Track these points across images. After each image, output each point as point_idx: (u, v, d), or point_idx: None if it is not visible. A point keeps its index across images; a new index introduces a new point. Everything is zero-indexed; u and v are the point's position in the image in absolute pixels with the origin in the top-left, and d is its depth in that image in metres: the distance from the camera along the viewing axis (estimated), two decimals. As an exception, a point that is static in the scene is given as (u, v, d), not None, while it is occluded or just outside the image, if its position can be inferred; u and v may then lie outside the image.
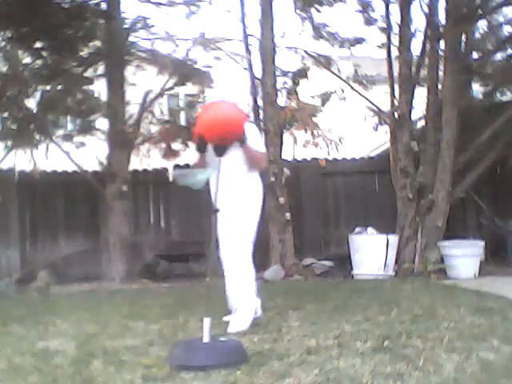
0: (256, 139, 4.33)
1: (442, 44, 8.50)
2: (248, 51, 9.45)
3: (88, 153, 9.05)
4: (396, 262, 8.04)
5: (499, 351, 3.28)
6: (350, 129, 11.77)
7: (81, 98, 9.16)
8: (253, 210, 4.34)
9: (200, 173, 3.87)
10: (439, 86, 8.45)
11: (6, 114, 8.81)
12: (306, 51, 10.34)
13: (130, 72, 9.19)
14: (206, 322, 3.34)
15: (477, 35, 9.69)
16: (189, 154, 9.88)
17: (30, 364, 3.44)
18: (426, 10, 8.65)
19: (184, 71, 9.42)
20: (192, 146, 9.74)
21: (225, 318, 4.35)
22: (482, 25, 9.71)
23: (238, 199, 4.28)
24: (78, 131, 9.40)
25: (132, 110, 9.16)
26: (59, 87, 8.91)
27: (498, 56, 9.53)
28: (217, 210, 3.75)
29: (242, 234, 4.27)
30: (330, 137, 9.35)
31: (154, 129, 9.61)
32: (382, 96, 9.38)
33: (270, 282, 7.75)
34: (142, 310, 5.29)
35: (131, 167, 9.08)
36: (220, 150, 3.86)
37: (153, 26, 9.18)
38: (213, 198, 3.85)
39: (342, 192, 9.79)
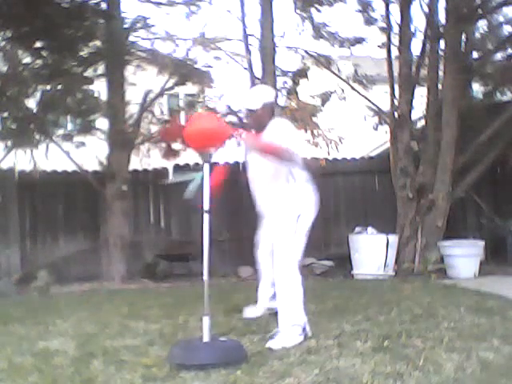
0: (281, 134, 3.90)
1: (442, 44, 8.50)
2: (248, 51, 9.45)
3: (88, 153, 9.05)
4: (396, 262, 8.04)
5: (499, 351, 3.28)
6: (349, 129, 11.77)
7: (81, 98, 9.15)
8: (288, 215, 3.89)
9: (195, 177, 3.88)
10: (439, 86, 8.45)
11: (5, 114, 8.80)
12: (306, 51, 10.35)
13: (129, 72, 9.19)
14: (206, 320, 3.34)
15: (477, 35, 9.70)
16: (189, 154, 9.90)
17: (30, 364, 3.44)
18: (426, 9, 8.66)
19: (184, 71, 9.42)
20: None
21: (245, 311, 4.35)
22: (482, 25, 9.74)
23: (272, 204, 4.03)
24: (78, 131, 9.40)
25: (132, 109, 9.16)
26: (59, 87, 8.91)
27: (498, 56, 9.54)
28: (207, 211, 3.73)
29: (278, 241, 3.86)
30: (330, 137, 9.34)
31: (154, 129, 9.60)
32: (382, 96, 9.38)
33: (270, 281, 7.76)
34: (142, 310, 5.28)
35: (131, 167, 9.08)
36: (205, 157, 3.69)
37: (153, 25, 9.19)
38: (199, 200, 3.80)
39: (342, 192, 9.80)
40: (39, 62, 8.59)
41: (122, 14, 8.95)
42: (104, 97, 9.30)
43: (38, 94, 8.93)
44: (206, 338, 3.33)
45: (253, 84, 9.32)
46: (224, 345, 3.44)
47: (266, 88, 4.47)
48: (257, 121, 4.01)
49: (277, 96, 8.91)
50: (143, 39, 9.55)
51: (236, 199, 9.46)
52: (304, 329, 3.75)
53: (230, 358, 3.22)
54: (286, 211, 3.90)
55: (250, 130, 4.14)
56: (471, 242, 7.97)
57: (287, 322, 3.71)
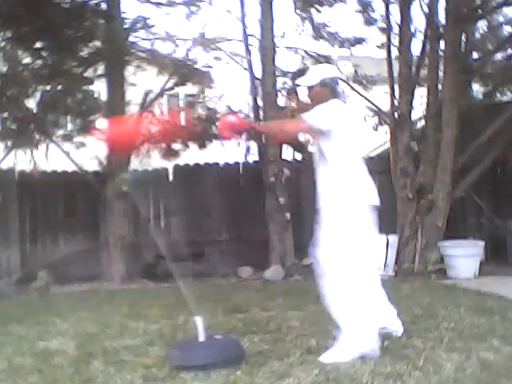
0: (313, 111, 3.57)
1: (442, 44, 8.50)
2: (248, 51, 9.44)
3: (88, 153, 9.04)
4: (396, 262, 8.04)
5: (499, 351, 3.28)
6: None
7: (81, 98, 9.15)
8: (342, 215, 3.49)
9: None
10: (439, 86, 8.44)
11: (5, 114, 8.80)
12: (306, 51, 10.35)
13: (129, 72, 9.19)
14: (199, 320, 3.34)
15: (477, 35, 9.70)
16: (189, 154, 9.91)
17: (30, 364, 3.45)
18: (426, 10, 8.65)
19: (184, 71, 9.43)
20: (192, 146, 9.79)
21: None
22: (482, 25, 9.73)
23: (326, 201, 3.63)
24: (78, 131, 9.40)
25: (132, 110, 9.16)
26: (59, 87, 8.91)
27: (498, 56, 9.53)
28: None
29: (332, 244, 3.45)
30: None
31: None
32: (382, 96, 9.38)
33: (270, 282, 7.76)
34: (142, 310, 5.29)
35: (131, 167, 9.08)
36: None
37: (153, 26, 9.21)
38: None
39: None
40: (39, 62, 8.59)
41: (122, 15, 8.96)
42: (104, 97, 9.30)
43: (38, 94, 8.93)
44: (201, 338, 3.32)
45: (253, 84, 9.33)
46: (220, 342, 3.43)
47: (328, 66, 4.24)
48: (314, 98, 3.70)
49: (277, 96, 8.91)
50: (143, 39, 9.57)
51: (236, 199, 9.49)
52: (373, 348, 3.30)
53: (228, 355, 3.22)
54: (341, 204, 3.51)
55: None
56: (471, 242, 7.96)
57: (345, 333, 3.34)
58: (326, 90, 3.67)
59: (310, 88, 3.71)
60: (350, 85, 9.86)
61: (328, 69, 3.87)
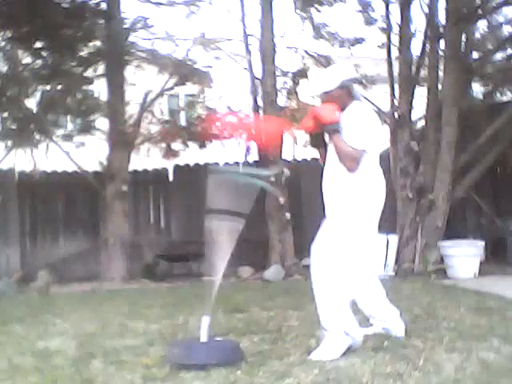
0: (358, 122, 3.36)
1: (442, 44, 8.50)
2: (248, 51, 9.44)
3: (88, 153, 9.05)
4: (396, 262, 8.03)
5: (499, 351, 3.28)
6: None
7: (81, 98, 9.17)
8: (351, 217, 3.38)
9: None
10: (439, 86, 8.45)
11: (5, 114, 8.81)
12: (306, 51, 10.35)
13: (130, 72, 9.19)
14: (205, 320, 3.33)
15: (477, 35, 9.69)
16: (189, 154, 9.91)
17: (30, 364, 3.44)
18: (426, 10, 8.65)
19: (184, 71, 9.43)
20: (191, 145, 9.79)
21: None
22: (482, 25, 9.73)
23: (333, 204, 3.50)
24: (78, 131, 9.41)
25: (132, 109, 9.16)
26: (59, 87, 8.92)
27: (498, 56, 9.53)
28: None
29: (331, 245, 3.37)
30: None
31: (154, 129, 9.61)
32: (382, 96, 9.37)
33: (270, 282, 7.76)
34: (142, 310, 5.28)
35: (131, 167, 9.08)
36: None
37: (153, 26, 9.21)
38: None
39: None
40: (39, 62, 8.60)
41: (122, 14, 8.97)
42: (104, 97, 9.30)
43: (37, 94, 8.95)
44: (203, 338, 3.32)
45: (253, 84, 9.33)
46: (221, 345, 3.43)
47: (345, 65, 3.85)
48: (335, 104, 3.40)
49: (277, 96, 8.90)
50: (143, 39, 9.56)
51: (236, 199, 9.48)
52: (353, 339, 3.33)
53: (227, 358, 3.23)
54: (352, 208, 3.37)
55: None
56: (471, 242, 7.96)
57: (332, 331, 3.33)
58: (345, 93, 3.44)
59: (328, 93, 3.45)
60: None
61: (345, 69, 3.60)
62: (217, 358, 3.19)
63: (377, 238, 3.58)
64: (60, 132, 9.37)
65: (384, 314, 3.73)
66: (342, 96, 3.44)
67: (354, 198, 3.39)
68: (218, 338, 3.54)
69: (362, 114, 3.42)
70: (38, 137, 8.91)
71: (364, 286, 3.66)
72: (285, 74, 10.01)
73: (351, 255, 3.39)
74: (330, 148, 3.52)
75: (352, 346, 3.33)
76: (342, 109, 3.43)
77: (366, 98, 9.55)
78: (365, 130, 3.35)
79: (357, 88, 3.61)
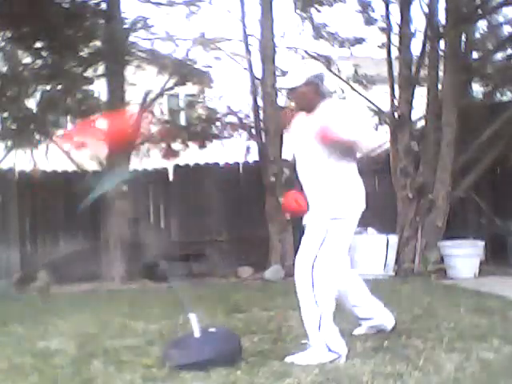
0: (338, 119, 3.24)
1: (442, 44, 8.50)
2: (248, 51, 9.44)
3: (88, 153, 9.04)
4: (396, 262, 8.03)
5: (499, 351, 3.28)
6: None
7: (81, 98, 9.16)
8: (324, 216, 3.36)
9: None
10: (439, 86, 8.45)
11: (5, 114, 8.81)
12: (306, 51, 10.34)
13: (130, 72, 9.19)
14: (193, 317, 3.35)
15: (477, 35, 9.70)
16: (189, 154, 9.91)
17: (30, 364, 3.44)
18: (426, 10, 8.65)
19: (184, 71, 9.43)
20: (191, 145, 9.80)
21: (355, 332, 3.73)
22: (482, 25, 9.73)
23: (313, 200, 3.45)
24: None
25: (132, 110, 9.16)
26: (59, 87, 8.92)
27: (498, 56, 9.53)
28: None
29: (311, 244, 3.33)
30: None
31: (154, 129, 9.61)
32: (382, 96, 9.38)
33: (270, 281, 7.76)
34: (142, 310, 5.29)
35: (131, 167, 9.08)
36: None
37: (153, 26, 9.20)
38: None
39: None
40: (39, 62, 8.60)
41: (122, 15, 8.95)
42: (104, 97, 9.30)
43: (37, 94, 8.94)
44: (196, 334, 3.32)
45: (253, 84, 9.33)
46: (215, 336, 3.41)
47: (312, 63, 3.86)
48: (301, 101, 3.37)
49: (277, 96, 8.90)
50: (143, 39, 9.55)
51: (236, 199, 9.49)
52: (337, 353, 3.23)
53: (225, 347, 3.26)
54: (323, 211, 3.34)
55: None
56: (471, 242, 7.96)
57: (314, 337, 3.27)
58: (312, 90, 3.33)
59: (294, 89, 3.35)
60: (350, 85, 9.87)
61: (311, 66, 3.58)
62: (216, 350, 3.19)
63: (354, 238, 3.61)
64: (60, 132, 9.37)
65: (371, 311, 3.76)
66: (309, 93, 3.34)
67: (329, 199, 3.36)
68: (212, 329, 3.51)
69: (341, 107, 3.42)
70: (37, 137, 8.90)
71: (347, 285, 3.68)
72: (285, 73, 10.01)
73: (329, 254, 3.30)
74: (300, 152, 3.47)
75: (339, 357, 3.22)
76: (311, 108, 3.36)
77: (365, 98, 9.64)
78: (344, 124, 3.21)
79: (325, 85, 3.48)
